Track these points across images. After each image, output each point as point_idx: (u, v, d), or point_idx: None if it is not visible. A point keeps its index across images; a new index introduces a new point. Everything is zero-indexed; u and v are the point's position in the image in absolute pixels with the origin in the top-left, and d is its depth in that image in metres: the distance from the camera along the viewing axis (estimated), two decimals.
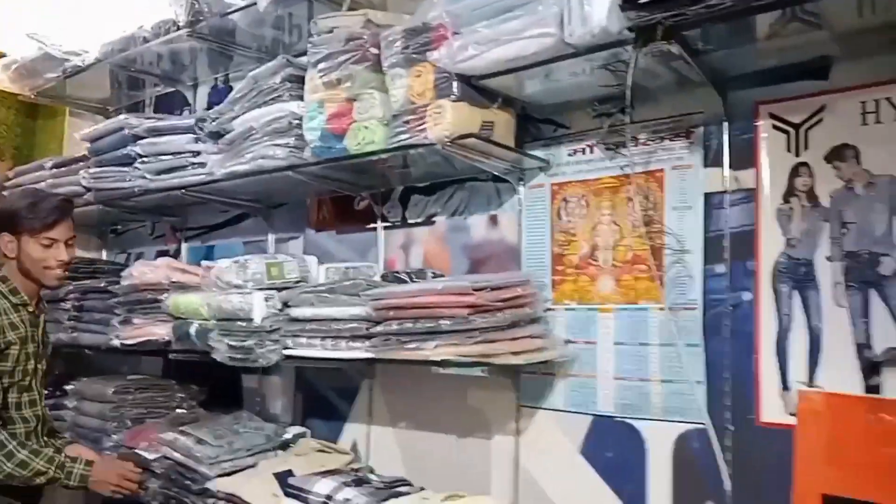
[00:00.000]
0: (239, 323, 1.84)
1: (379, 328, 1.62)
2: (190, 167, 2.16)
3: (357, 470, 1.89)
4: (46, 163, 2.74)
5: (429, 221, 1.98)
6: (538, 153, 1.76)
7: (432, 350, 1.52)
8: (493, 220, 1.86)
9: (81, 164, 2.54)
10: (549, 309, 1.71)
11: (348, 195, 2.14)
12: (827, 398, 1.31)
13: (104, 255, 3.05)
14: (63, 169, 2.65)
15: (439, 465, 1.86)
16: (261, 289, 1.83)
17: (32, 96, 2.91)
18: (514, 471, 1.75)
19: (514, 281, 1.62)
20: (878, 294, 1.30)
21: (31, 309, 1.91)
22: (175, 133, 2.20)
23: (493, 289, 1.55)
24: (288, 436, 2.08)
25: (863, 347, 1.30)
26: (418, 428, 1.94)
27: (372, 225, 2.09)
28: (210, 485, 1.87)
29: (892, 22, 1.29)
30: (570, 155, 1.73)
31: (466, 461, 1.82)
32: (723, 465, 1.45)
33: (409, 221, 2.02)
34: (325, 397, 2.17)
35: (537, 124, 1.79)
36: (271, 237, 2.37)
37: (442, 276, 1.83)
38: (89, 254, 2.99)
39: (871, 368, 1.29)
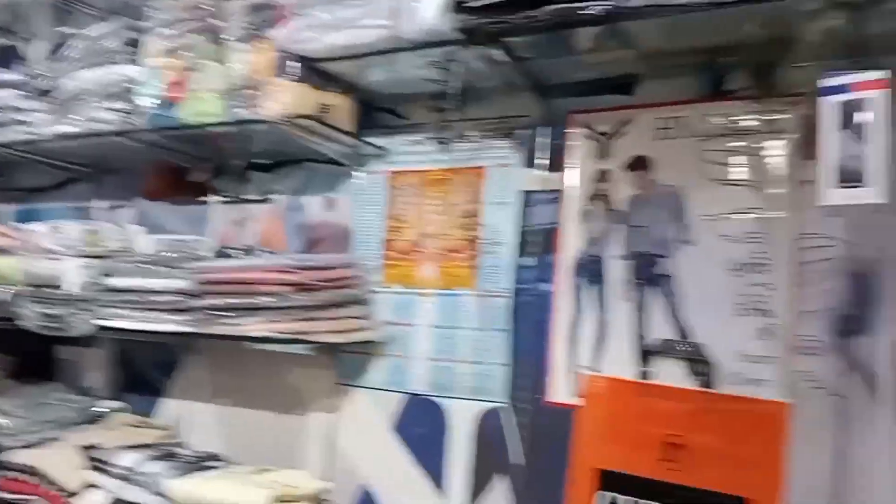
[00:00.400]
0: (52, 290, 1.76)
1: (198, 302, 1.61)
2: (13, 124, 2.04)
3: (169, 445, 1.87)
4: None
5: (265, 199, 1.98)
6: (376, 140, 1.81)
7: (251, 326, 1.54)
8: (330, 203, 1.89)
9: None
10: (375, 291, 1.77)
11: (184, 166, 2.10)
12: (607, 381, 1.45)
13: None
14: None
15: (256, 441, 1.87)
16: (77, 256, 1.77)
17: None
18: (329, 447, 1.79)
19: (340, 262, 1.67)
20: (655, 290, 1.45)
21: None
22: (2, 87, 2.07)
23: (317, 268, 1.59)
24: (101, 410, 2.02)
25: (640, 338, 1.46)
26: (237, 404, 1.94)
27: (206, 198, 2.07)
28: (8, 456, 1.79)
29: (692, 47, 1.44)
30: (406, 145, 1.80)
31: (283, 437, 1.85)
32: (516, 441, 1.57)
33: (245, 197, 2.01)
34: (143, 372, 2.12)
35: (377, 112, 1.84)
36: (100, 204, 2.28)
37: (273, 254, 1.85)
38: None
39: (645, 356, 1.45)
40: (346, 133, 1.75)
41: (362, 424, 1.76)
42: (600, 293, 1.52)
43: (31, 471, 1.74)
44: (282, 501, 1.54)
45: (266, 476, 1.65)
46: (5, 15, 2.41)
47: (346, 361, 1.79)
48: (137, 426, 1.97)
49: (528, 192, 1.63)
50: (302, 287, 1.55)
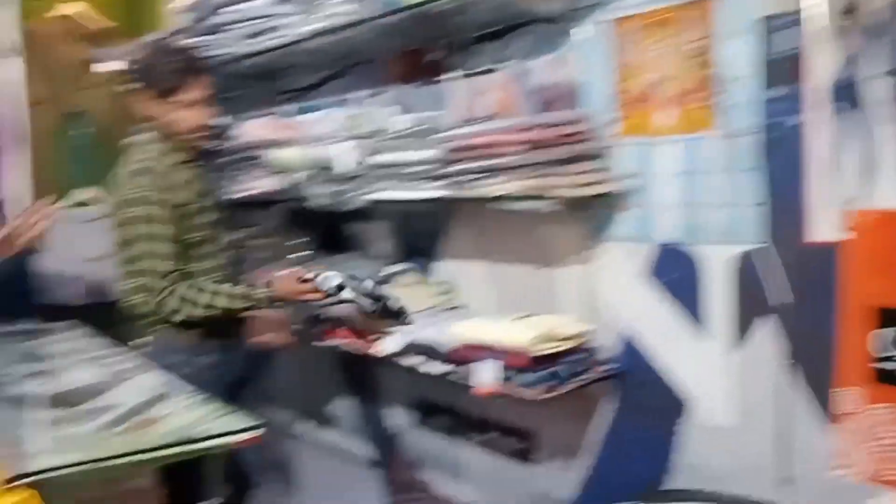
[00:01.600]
0: (329, 171, 2.05)
1: (448, 169, 1.78)
2: (272, 30, 2.30)
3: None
4: (156, 37, 2.97)
5: (495, 69, 2.05)
6: None
7: (494, 186, 1.67)
8: (558, 62, 1.91)
9: (180, 34, 2.74)
10: (613, 144, 1.79)
11: (420, 49, 2.23)
12: (880, 214, 1.34)
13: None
14: (172, 41, 2.85)
15: (518, 294, 2.05)
16: (345, 138, 2.01)
17: None
18: (586, 297, 1.90)
19: (573, 118, 1.71)
20: None
21: (186, 169, 2.09)
22: None
23: (551, 125, 1.66)
24: (388, 272, 2.33)
25: None
26: (500, 261, 2.11)
27: (445, 75, 2.19)
28: (323, 311, 2.17)
29: None
30: None
31: (542, 290, 1.99)
32: (779, 281, 1.53)
33: (479, 69, 2.10)
34: (419, 238, 2.37)
35: None
36: (360, 93, 2.51)
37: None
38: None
39: None
40: None
41: (616, 275, 1.83)
42: (861, 118, 1.39)
43: (344, 322, 2.11)
44: (546, 340, 1.70)
45: (531, 320, 1.81)
46: None
47: (594, 216, 1.85)
48: (421, 284, 2.25)
49: (766, 18, 1.51)
50: (538, 144, 1.63)
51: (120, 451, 1.42)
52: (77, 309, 2.78)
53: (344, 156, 1.99)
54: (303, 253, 2.55)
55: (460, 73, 2.14)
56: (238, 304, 2.03)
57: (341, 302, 2.04)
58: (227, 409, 1.62)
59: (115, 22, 3.38)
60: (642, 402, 1.78)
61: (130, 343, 2.18)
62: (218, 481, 1.63)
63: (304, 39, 2.19)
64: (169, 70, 2.01)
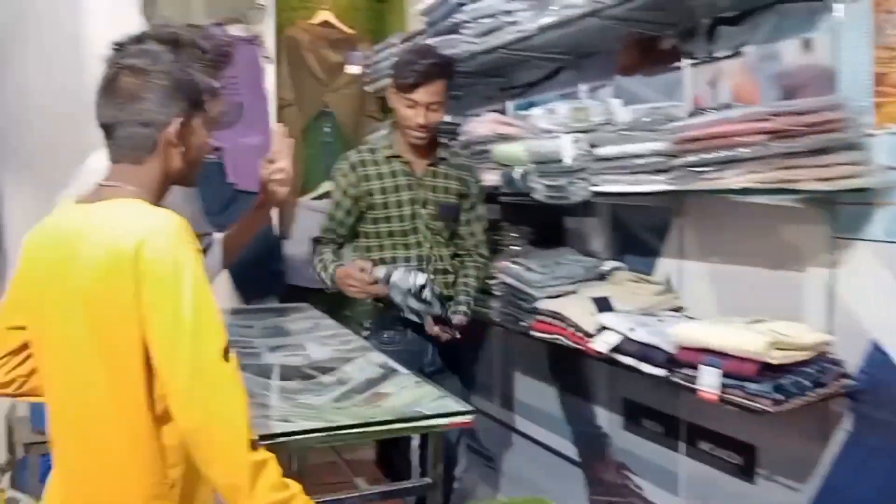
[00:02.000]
0: (552, 165, 2.04)
1: (677, 161, 1.69)
2: (506, 27, 2.36)
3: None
4: (396, 38, 3.18)
5: (736, 53, 1.92)
6: None
7: (730, 178, 1.56)
8: (807, 44, 1.74)
9: (420, 36, 2.90)
10: (870, 134, 1.59)
11: (653, 36, 2.15)
12: None
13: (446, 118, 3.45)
14: (407, 42, 3.05)
15: (750, 296, 1.90)
16: (568, 132, 2.00)
17: None
18: (829, 302, 1.72)
19: (822, 105, 1.54)
20: None
21: (402, 163, 2.27)
22: None
23: (795, 113, 1.51)
24: (605, 268, 2.28)
25: None
26: (728, 261, 1.97)
27: (677, 63, 2.09)
28: (538, 304, 2.17)
29: None
30: None
31: (778, 293, 1.83)
32: None
33: (715, 55, 1.98)
34: (637, 234, 2.30)
35: None
36: (583, 87, 2.49)
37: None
38: None
39: None
40: None
41: (864, 279, 1.63)
42: None
43: (556, 315, 2.09)
44: (780, 348, 1.55)
45: (763, 325, 1.67)
46: None
47: (842, 212, 1.67)
48: (637, 282, 2.18)
49: None
50: (780, 134, 1.49)
51: (353, 422, 1.54)
52: (313, 291, 3.04)
53: (567, 149, 1.97)
54: (518, 246, 2.57)
55: (695, 60, 2.04)
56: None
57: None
58: (441, 393, 1.68)
59: (363, 27, 3.65)
60: (889, 422, 1.56)
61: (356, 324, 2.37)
62: (428, 461, 1.70)
63: (536, 34, 2.20)
64: (408, 68, 2.15)
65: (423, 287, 2.10)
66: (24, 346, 1.28)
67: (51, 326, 1.20)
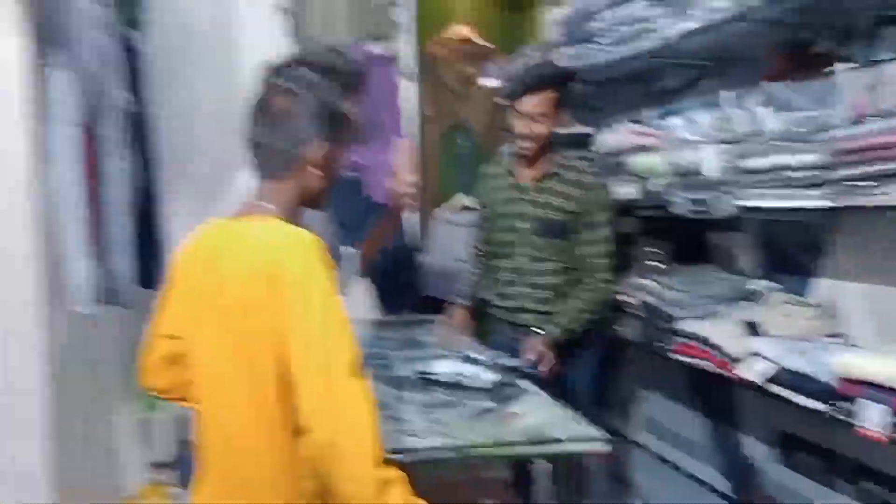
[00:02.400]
0: (694, 177, 1.94)
1: (835, 174, 1.55)
2: (644, 34, 2.27)
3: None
4: (528, 50, 3.16)
5: None
6: None
7: (894, 194, 1.41)
8: None
9: (554, 46, 2.86)
10: None
11: (804, 39, 1.99)
12: None
13: (578, 128, 3.37)
14: (541, 54, 3.01)
15: None
16: (712, 142, 1.89)
17: None
18: None
19: None
20: None
21: (510, 176, 2.29)
22: (628, 2, 2.32)
23: None
24: (754, 288, 2.14)
25: None
26: (892, 283, 1.80)
27: (831, 68, 1.93)
28: (679, 325, 2.07)
29: None
30: None
31: None
32: None
33: (876, 59, 1.80)
34: (790, 252, 2.14)
35: None
36: (727, 94, 2.35)
37: None
38: (566, 129, 3.37)
39: None
40: None
41: None
42: None
43: (700, 339, 1.98)
44: None
45: None
46: None
47: None
48: (790, 304, 2.02)
49: None
50: None
51: (484, 441, 1.52)
52: (450, 303, 3.07)
53: (710, 160, 1.87)
54: (657, 262, 2.47)
55: (854, 64, 1.87)
56: None
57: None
58: (575, 416, 1.63)
59: (500, 39, 3.66)
60: None
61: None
62: (560, 485, 1.65)
63: (678, 40, 2.10)
64: (515, 80, 2.21)
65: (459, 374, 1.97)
66: (179, 355, 1.36)
67: (200, 339, 1.27)
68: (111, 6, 2.18)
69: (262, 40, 3.09)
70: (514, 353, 2.15)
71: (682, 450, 2.61)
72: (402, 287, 3.23)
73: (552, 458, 1.58)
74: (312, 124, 1.27)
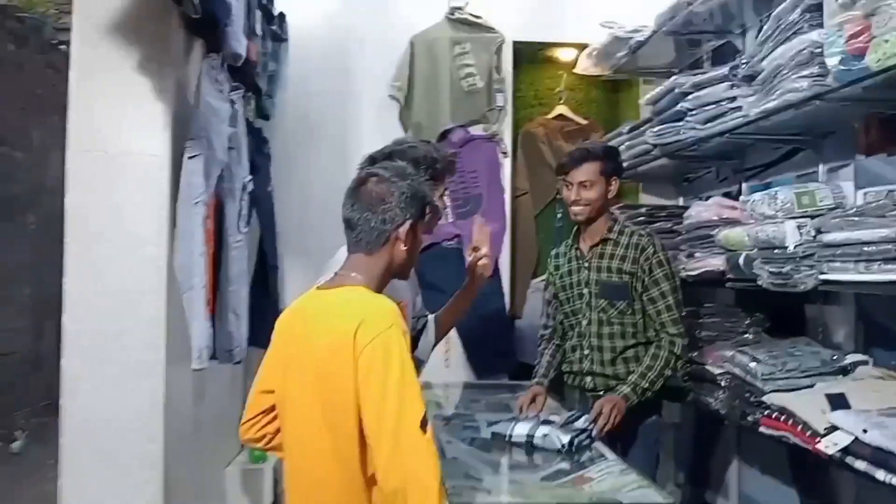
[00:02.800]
0: (775, 251, 1.96)
1: None
2: (729, 112, 2.34)
3: None
4: (624, 128, 3.27)
5: None
6: None
7: None
8: None
9: (647, 124, 2.97)
10: None
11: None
12: None
13: (680, 201, 3.43)
14: (636, 131, 3.12)
15: None
16: (792, 217, 1.92)
17: (610, 74, 3.49)
18: None
19: None
20: None
21: (575, 247, 2.45)
22: (714, 84, 2.41)
23: None
24: (846, 362, 2.10)
25: None
26: None
27: None
28: (765, 398, 2.05)
29: None
30: None
31: None
32: None
33: None
34: (887, 325, 2.10)
35: None
36: (822, 167, 2.36)
37: None
38: (667, 201, 3.43)
39: None
40: None
41: None
42: None
43: (786, 412, 1.96)
44: None
45: None
46: (717, 18, 2.76)
47: None
48: (882, 378, 1.97)
49: None
50: None
51: (550, 501, 1.59)
52: None
53: (790, 234, 1.89)
54: (752, 334, 2.45)
55: None
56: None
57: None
58: (644, 482, 1.67)
59: (599, 117, 3.81)
60: None
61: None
62: None
63: (762, 118, 2.16)
64: (567, 154, 2.44)
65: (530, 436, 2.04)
66: (273, 408, 1.53)
67: (291, 395, 1.44)
68: (240, 104, 2.50)
69: (375, 128, 3.40)
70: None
71: None
72: (497, 353, 3.34)
73: None
74: (402, 207, 1.47)
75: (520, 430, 2.03)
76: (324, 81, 3.45)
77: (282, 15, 3.24)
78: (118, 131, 2.25)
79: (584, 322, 2.39)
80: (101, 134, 2.25)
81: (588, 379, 2.39)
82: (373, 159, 1.55)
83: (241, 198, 2.49)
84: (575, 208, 2.37)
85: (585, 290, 2.40)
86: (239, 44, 2.37)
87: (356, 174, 1.55)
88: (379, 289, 1.47)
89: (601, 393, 2.30)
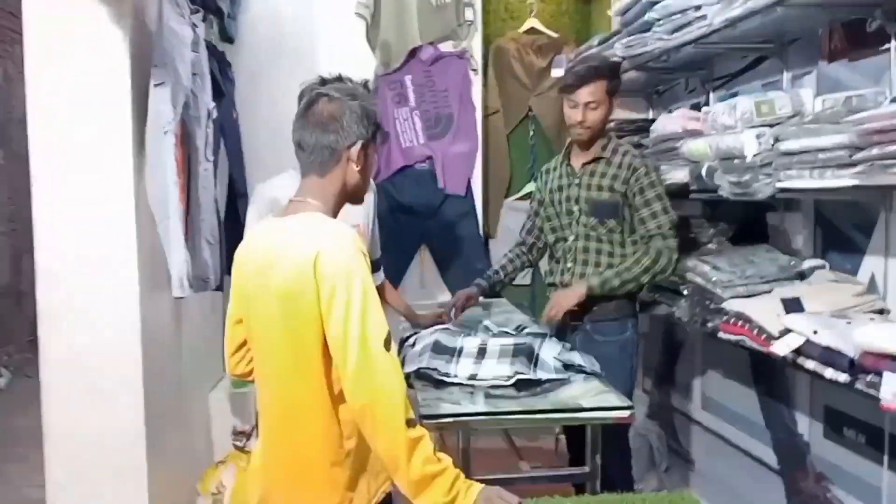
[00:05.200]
0: (735, 161, 1.99)
1: (860, 154, 1.59)
2: (695, 21, 2.31)
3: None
4: (594, 40, 3.22)
5: None
6: None
7: None
8: None
9: (617, 36, 2.93)
10: None
11: (860, 19, 1.99)
12: None
13: (650, 114, 3.42)
14: (605, 44, 3.08)
15: None
16: (752, 126, 1.94)
17: None
18: None
19: None
20: None
21: (566, 163, 2.44)
22: None
23: None
24: (803, 267, 2.16)
25: None
26: None
27: (886, 46, 1.92)
28: (724, 304, 2.12)
29: None
30: None
31: None
32: None
33: None
34: (842, 231, 2.14)
35: None
36: (786, 75, 2.36)
37: None
38: (638, 115, 3.43)
39: None
40: None
41: None
42: None
43: (741, 317, 2.03)
44: None
45: None
46: None
47: None
48: (837, 282, 2.04)
49: None
50: None
51: (514, 409, 1.67)
52: (515, 287, 3.18)
53: (749, 144, 1.91)
54: (715, 244, 2.51)
55: None
56: None
57: None
58: (606, 388, 1.74)
59: (570, 30, 3.75)
60: None
61: None
62: (587, 451, 1.77)
63: (727, 26, 2.14)
64: (569, 73, 2.36)
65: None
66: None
67: (257, 322, 1.48)
68: (202, 27, 2.44)
69: (343, 48, 3.34)
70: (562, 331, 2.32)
71: (738, 426, 2.64)
72: (472, 272, 3.40)
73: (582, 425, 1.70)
74: (354, 126, 1.47)
75: (462, 371, 1.91)
76: (289, 1, 3.36)
77: None
78: (76, 61, 2.20)
79: (571, 237, 2.41)
80: (59, 65, 2.21)
81: None
82: (323, 81, 1.54)
83: (206, 125, 2.47)
84: (581, 130, 2.32)
85: (575, 208, 2.40)
86: None
87: (308, 96, 1.53)
88: (334, 213, 1.48)
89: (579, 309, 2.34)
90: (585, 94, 2.28)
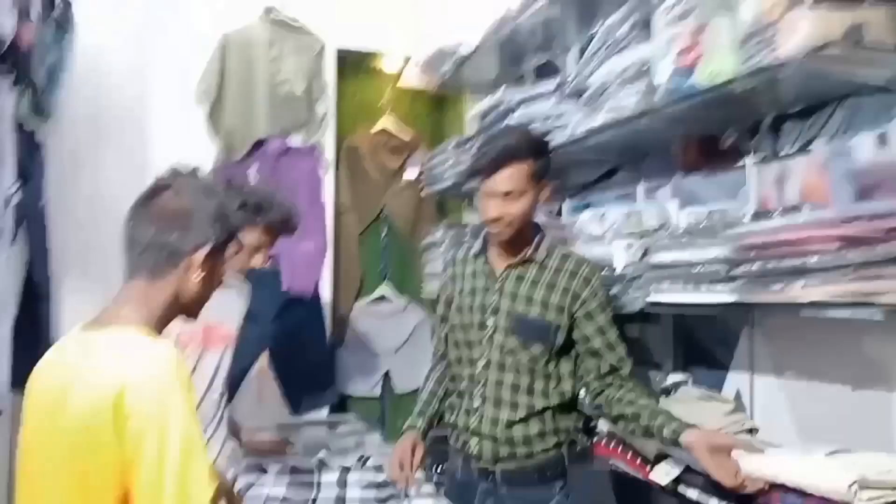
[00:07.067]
0: (603, 272, 1.90)
1: (740, 269, 1.53)
2: (556, 130, 2.28)
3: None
4: (450, 143, 3.16)
5: (804, 150, 1.77)
6: None
7: (799, 291, 1.39)
8: (883, 139, 1.59)
9: (474, 139, 2.87)
10: None
11: (713, 135, 2.03)
12: None
13: None
14: (463, 147, 3.02)
15: (830, 420, 1.68)
16: (620, 237, 1.87)
17: (435, 89, 3.38)
18: None
19: None
20: None
21: (483, 261, 1.87)
22: (541, 99, 2.35)
23: (875, 217, 1.34)
24: (667, 383, 2.09)
25: None
26: (805, 378, 1.77)
27: (741, 162, 1.95)
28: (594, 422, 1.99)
29: None
30: None
31: (864, 417, 1.61)
32: None
33: (781, 154, 1.83)
34: (704, 345, 2.11)
35: None
36: (641, 187, 2.37)
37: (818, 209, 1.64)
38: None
39: None
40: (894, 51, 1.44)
41: None
42: None
43: (614, 437, 1.90)
44: (871, 487, 1.33)
45: (849, 457, 1.45)
46: (539, 36, 2.73)
47: None
48: (704, 400, 1.97)
49: None
50: (858, 241, 1.33)
51: None
52: (367, 401, 2.93)
53: (619, 256, 1.84)
54: None
55: (759, 157, 1.90)
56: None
57: None
58: None
59: (424, 132, 3.68)
60: None
61: None
62: None
63: (588, 136, 2.11)
64: (480, 154, 1.81)
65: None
66: None
67: (33, 458, 1.13)
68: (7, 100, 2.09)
69: (179, 133, 3.05)
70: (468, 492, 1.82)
71: None
72: (316, 385, 3.09)
73: None
74: (204, 227, 1.23)
75: None
76: (118, 77, 3.04)
77: (66, 1, 2.81)
78: None
79: (481, 363, 1.81)
80: None
81: (473, 441, 1.81)
82: (176, 172, 1.29)
83: (1, 213, 2.08)
84: (496, 227, 1.76)
85: (490, 321, 1.82)
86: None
87: (155, 186, 1.27)
88: (159, 329, 1.19)
89: (490, 466, 1.80)
90: (502, 181, 1.72)
